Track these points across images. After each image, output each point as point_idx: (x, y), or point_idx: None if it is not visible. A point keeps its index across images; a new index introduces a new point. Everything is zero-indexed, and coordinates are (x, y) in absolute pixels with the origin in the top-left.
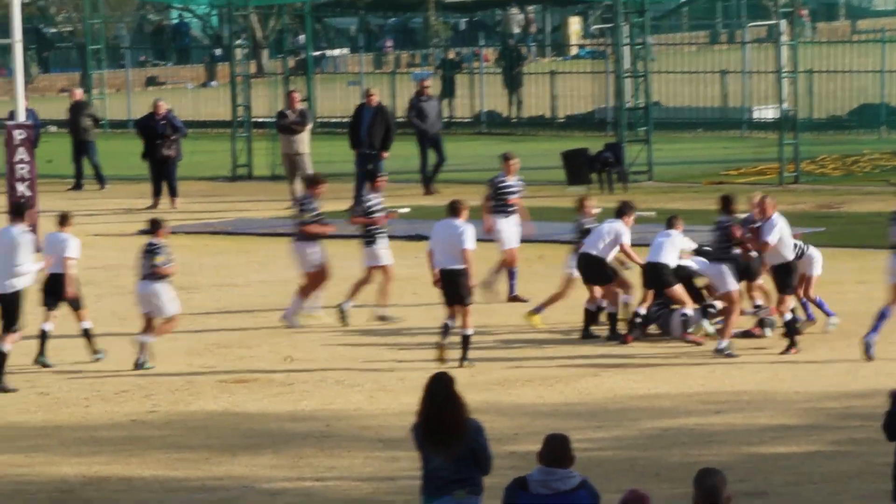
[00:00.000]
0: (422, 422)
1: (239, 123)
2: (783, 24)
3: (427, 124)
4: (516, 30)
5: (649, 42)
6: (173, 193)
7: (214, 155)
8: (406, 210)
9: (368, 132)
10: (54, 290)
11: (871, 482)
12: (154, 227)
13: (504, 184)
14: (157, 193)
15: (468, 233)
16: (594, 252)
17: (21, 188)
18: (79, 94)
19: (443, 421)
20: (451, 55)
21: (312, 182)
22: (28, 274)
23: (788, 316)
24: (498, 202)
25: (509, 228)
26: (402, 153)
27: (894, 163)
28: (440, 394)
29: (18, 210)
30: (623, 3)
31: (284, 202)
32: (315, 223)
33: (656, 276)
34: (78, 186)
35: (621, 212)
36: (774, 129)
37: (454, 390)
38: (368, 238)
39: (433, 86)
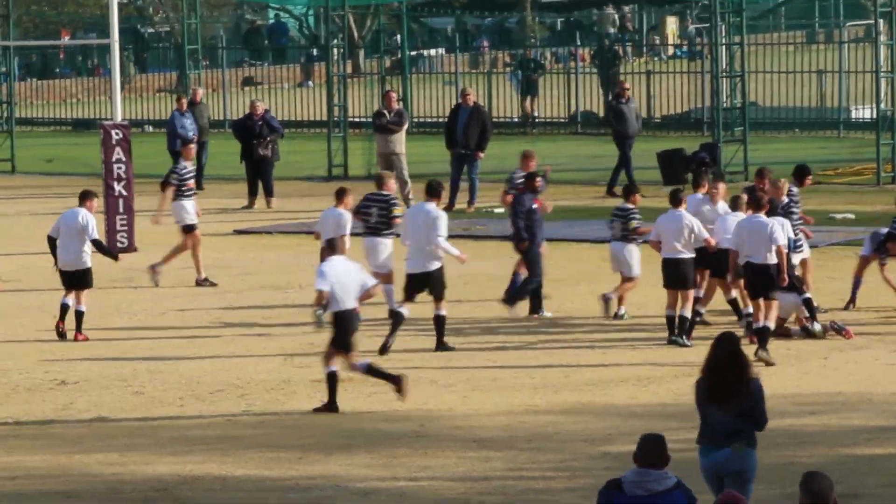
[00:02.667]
0: (706, 379)
1: (335, 123)
2: (881, 23)
3: (624, 126)
4: (612, 29)
5: (746, 42)
6: (269, 193)
7: (310, 155)
8: (501, 210)
9: (464, 132)
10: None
11: None
12: (627, 191)
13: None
14: (252, 193)
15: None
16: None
17: (118, 187)
18: (199, 94)
19: (727, 380)
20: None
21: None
22: None
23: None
24: None
25: None
26: (495, 153)
27: None
28: (726, 354)
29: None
30: (720, 3)
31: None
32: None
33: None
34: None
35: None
36: (871, 129)
37: (740, 350)
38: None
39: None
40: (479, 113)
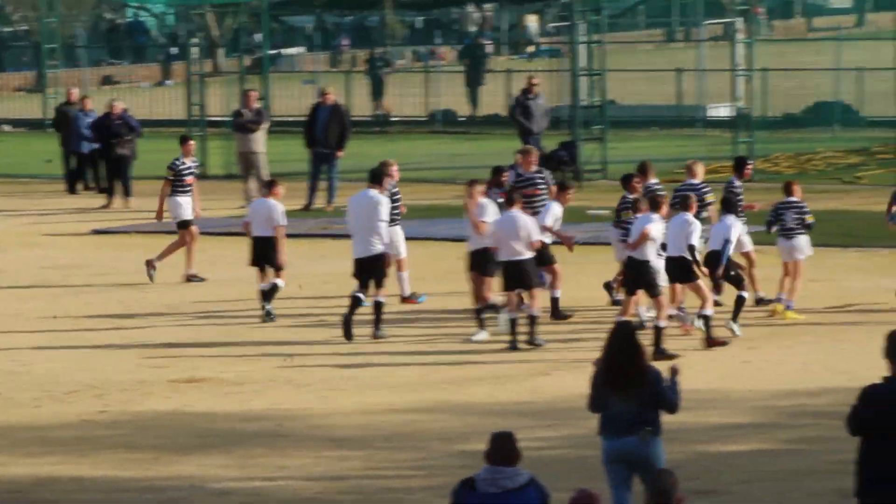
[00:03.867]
0: (605, 369)
1: (194, 122)
2: (739, 21)
3: (532, 123)
4: (473, 28)
5: (605, 40)
6: (127, 193)
7: (169, 154)
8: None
9: (324, 131)
10: None
11: (822, 480)
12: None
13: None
14: (110, 193)
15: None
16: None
17: None
18: (74, 94)
19: (625, 369)
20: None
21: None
22: None
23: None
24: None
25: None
26: (354, 152)
27: (848, 161)
28: (623, 343)
29: None
30: (580, 1)
31: (239, 201)
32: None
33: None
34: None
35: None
36: (729, 128)
37: (636, 339)
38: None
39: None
40: (339, 112)
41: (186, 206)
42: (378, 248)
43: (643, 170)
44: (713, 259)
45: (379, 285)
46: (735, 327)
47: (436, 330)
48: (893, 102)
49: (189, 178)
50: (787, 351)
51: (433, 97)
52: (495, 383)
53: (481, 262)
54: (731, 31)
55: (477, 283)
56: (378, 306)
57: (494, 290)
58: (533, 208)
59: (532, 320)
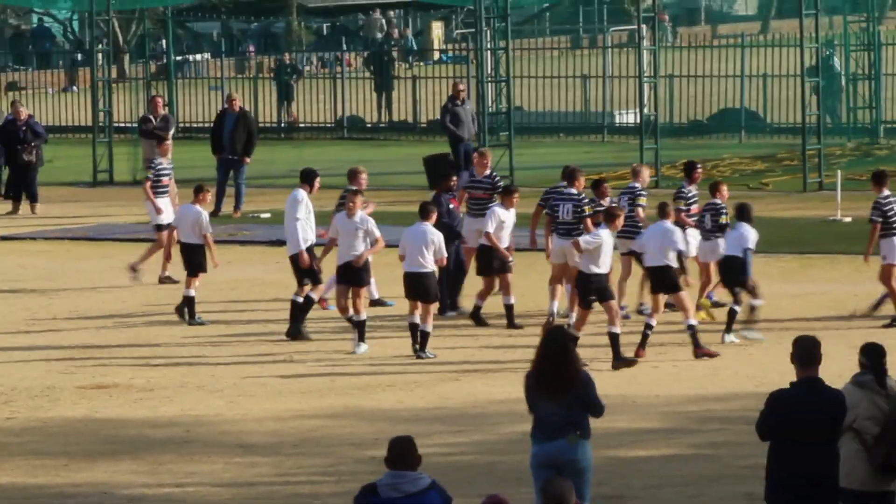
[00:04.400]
0: (536, 373)
1: (100, 128)
2: (644, 28)
3: (462, 129)
4: (378, 34)
5: (511, 47)
6: (33, 199)
7: (75, 160)
8: (267, 216)
9: (231, 137)
10: None
11: (730, 485)
12: (596, 184)
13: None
14: (16, 199)
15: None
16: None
17: None
18: None
19: (557, 373)
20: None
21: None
22: None
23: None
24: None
25: None
26: (261, 158)
27: (754, 167)
28: (555, 348)
29: None
30: (485, 8)
31: (144, 208)
32: None
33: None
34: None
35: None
36: (635, 134)
37: (568, 345)
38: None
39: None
40: (245, 118)
41: (163, 207)
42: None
43: (571, 176)
44: (731, 265)
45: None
46: (751, 335)
47: (345, 335)
48: (798, 109)
49: (165, 180)
50: (694, 356)
51: (340, 103)
52: (405, 389)
53: (350, 275)
54: (637, 37)
55: (344, 295)
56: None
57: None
58: (482, 212)
59: (423, 336)
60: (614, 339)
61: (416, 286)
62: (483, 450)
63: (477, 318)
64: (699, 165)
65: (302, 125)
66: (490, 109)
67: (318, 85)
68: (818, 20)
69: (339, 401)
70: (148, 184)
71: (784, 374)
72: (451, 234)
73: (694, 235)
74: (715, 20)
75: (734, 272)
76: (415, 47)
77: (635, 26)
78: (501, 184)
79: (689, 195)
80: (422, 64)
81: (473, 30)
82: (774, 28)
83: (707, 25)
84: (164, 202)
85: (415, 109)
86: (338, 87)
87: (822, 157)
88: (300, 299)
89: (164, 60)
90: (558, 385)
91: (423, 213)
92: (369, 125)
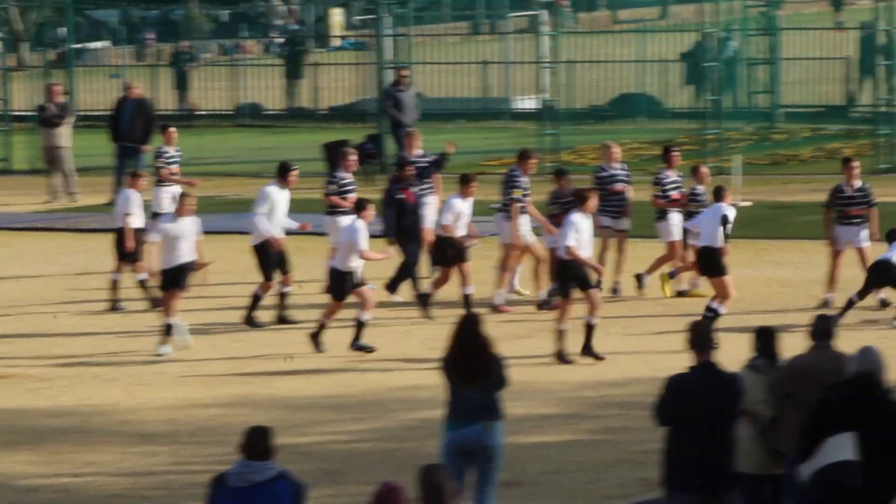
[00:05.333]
0: (451, 358)
1: None
2: (544, 14)
3: (404, 114)
4: (279, 21)
5: (412, 33)
6: None
7: None
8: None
9: (129, 125)
10: None
11: (627, 470)
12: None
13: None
14: None
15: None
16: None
17: None
18: None
19: (471, 359)
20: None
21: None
22: None
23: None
24: None
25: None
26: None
27: (653, 152)
28: (468, 334)
29: None
30: None
31: (44, 196)
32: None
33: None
34: None
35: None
36: (534, 120)
37: (481, 330)
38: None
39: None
40: (144, 106)
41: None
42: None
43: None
44: (708, 254)
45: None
46: None
47: (243, 323)
48: (695, 94)
49: (175, 167)
50: (594, 342)
51: (240, 91)
52: (303, 377)
53: (173, 279)
54: (537, 23)
55: (167, 298)
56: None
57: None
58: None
59: (359, 325)
60: (590, 329)
61: (339, 281)
62: (381, 437)
63: (423, 301)
64: (675, 149)
65: (201, 112)
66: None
67: (217, 72)
68: (718, 5)
69: (236, 389)
70: (166, 171)
71: (680, 359)
72: (412, 235)
73: (675, 219)
74: (615, 5)
75: (710, 262)
76: (314, 34)
77: (535, 12)
78: (431, 160)
79: (667, 181)
80: (323, 51)
81: (374, 16)
82: (674, 13)
83: (607, 11)
84: (172, 191)
85: (315, 96)
86: (237, 74)
87: (721, 141)
88: (262, 292)
89: (63, 48)
90: (473, 370)
91: (358, 208)
92: (269, 112)
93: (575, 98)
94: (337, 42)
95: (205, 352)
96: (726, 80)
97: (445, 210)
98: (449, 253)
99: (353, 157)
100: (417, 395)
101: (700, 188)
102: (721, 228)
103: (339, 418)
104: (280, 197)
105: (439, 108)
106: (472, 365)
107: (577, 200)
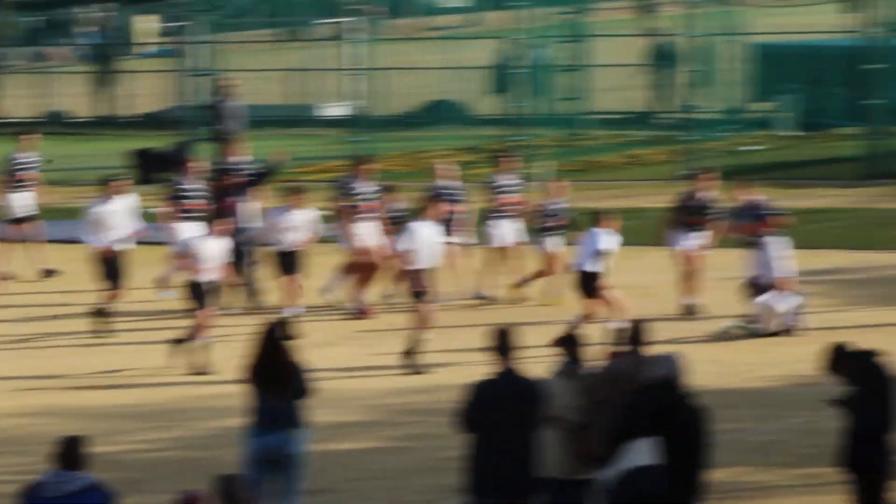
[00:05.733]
0: (253, 368)
1: None
2: (352, 21)
3: (226, 124)
4: (92, 28)
5: (220, 40)
6: None
7: None
8: None
9: None
10: None
11: (430, 477)
12: None
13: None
14: None
15: None
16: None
17: None
18: None
19: (274, 367)
20: None
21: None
22: None
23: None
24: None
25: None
26: None
27: (459, 159)
28: (272, 342)
29: None
30: (193, 2)
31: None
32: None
33: None
34: None
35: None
36: (342, 127)
37: (284, 339)
38: None
39: None
40: None
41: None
42: None
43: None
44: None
45: None
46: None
47: (53, 330)
48: (501, 100)
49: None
50: (399, 348)
51: (47, 98)
52: (107, 387)
53: None
54: (344, 30)
55: None
56: None
57: None
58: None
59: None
60: (415, 341)
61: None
62: (184, 445)
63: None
64: (503, 154)
65: (7, 120)
66: (194, 103)
67: (24, 80)
68: (533, 12)
69: (40, 399)
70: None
71: (482, 365)
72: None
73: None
74: (425, 12)
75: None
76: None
77: (343, 19)
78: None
79: (497, 183)
80: (133, 58)
81: (182, 23)
82: (489, 20)
83: (417, 17)
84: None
85: (125, 103)
86: (45, 81)
87: (527, 147)
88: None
89: None
90: (276, 378)
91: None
92: (78, 120)
93: (385, 105)
94: (152, 49)
95: (9, 361)
96: (535, 87)
97: (280, 222)
98: (286, 263)
99: (193, 164)
100: (218, 404)
101: (558, 202)
102: (596, 255)
103: (142, 427)
104: (107, 209)
105: (248, 115)
106: (275, 373)
107: (426, 209)
